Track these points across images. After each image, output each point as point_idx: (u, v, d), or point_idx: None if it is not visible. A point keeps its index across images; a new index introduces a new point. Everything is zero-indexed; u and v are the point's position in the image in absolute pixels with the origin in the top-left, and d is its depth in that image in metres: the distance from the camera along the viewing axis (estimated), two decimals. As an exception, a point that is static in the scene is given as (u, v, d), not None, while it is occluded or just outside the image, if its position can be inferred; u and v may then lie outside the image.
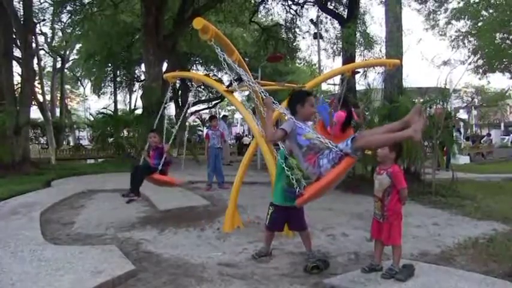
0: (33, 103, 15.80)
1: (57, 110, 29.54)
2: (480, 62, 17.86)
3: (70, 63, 30.88)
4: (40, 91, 20.05)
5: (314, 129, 3.46)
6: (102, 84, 29.89)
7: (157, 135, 6.13)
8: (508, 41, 15.44)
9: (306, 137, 3.31)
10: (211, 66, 26.94)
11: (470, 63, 17.46)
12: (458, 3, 16.76)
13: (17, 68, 15.39)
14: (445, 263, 3.88)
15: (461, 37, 17.64)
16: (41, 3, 19.55)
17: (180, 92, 26.26)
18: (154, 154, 6.05)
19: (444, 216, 5.89)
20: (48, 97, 25.31)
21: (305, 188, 3.43)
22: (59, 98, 29.77)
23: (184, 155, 8.08)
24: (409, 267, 3.43)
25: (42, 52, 25.12)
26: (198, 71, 26.77)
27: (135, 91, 31.67)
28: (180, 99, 25.54)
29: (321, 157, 3.19)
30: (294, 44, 21.70)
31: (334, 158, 3.10)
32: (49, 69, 30.47)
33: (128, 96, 33.38)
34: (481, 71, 19.42)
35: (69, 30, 22.82)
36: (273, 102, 3.46)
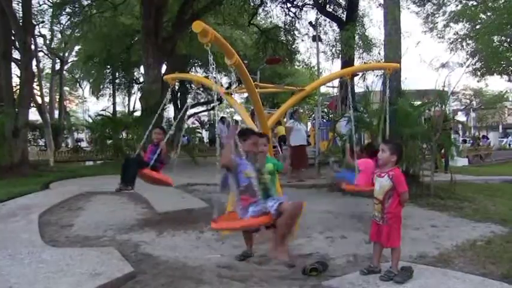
0: (32, 105, 15.80)
1: (56, 112, 29.48)
2: (478, 64, 17.91)
3: (69, 65, 30.84)
4: (39, 93, 20.06)
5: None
6: (101, 86, 29.90)
7: (161, 133, 6.10)
8: (505, 44, 15.50)
9: (246, 174, 3.65)
10: (211, 69, 26.92)
11: (468, 66, 17.50)
12: (457, 6, 16.81)
13: (15, 70, 15.38)
14: (443, 265, 3.88)
15: (459, 40, 17.68)
16: (40, 5, 19.59)
17: (179, 94, 26.26)
18: (152, 149, 5.95)
19: (442, 219, 5.89)
20: (47, 99, 25.22)
21: (220, 217, 3.78)
22: (57, 100, 29.70)
23: (176, 157, 7.76)
24: (407, 270, 3.44)
25: (41, 54, 25.06)
26: (197, 73, 26.79)
27: (134, 93, 31.69)
28: (179, 102, 25.56)
29: (252, 205, 3.57)
30: (293, 46, 21.71)
31: (258, 211, 3.52)
32: (48, 71, 30.40)
33: (126, 98, 33.37)
34: (479, 73, 19.48)
35: (68, 32, 22.84)
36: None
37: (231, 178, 3.76)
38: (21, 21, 12.73)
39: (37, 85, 19.42)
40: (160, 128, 6.22)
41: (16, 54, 15.34)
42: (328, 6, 18.59)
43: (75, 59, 29.65)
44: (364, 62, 14.78)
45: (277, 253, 3.58)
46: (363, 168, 5.62)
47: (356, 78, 13.56)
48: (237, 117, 6.41)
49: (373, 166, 5.53)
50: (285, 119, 13.85)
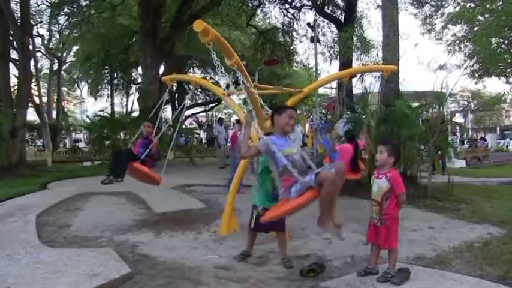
0: (29, 105, 15.76)
1: (54, 112, 29.42)
2: (476, 66, 18.00)
3: (67, 65, 30.80)
4: (37, 93, 20.01)
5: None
6: (99, 87, 29.87)
7: (151, 126, 6.09)
8: (503, 46, 15.56)
9: (284, 152, 3.44)
10: (209, 69, 26.96)
11: (466, 68, 17.59)
12: (455, 8, 16.88)
13: (13, 70, 15.36)
14: (440, 267, 3.89)
15: (457, 41, 17.76)
16: (38, 5, 19.54)
17: (177, 94, 26.26)
18: (142, 143, 5.94)
19: (440, 220, 5.90)
20: (44, 99, 25.11)
21: (270, 208, 3.69)
22: (55, 100, 29.64)
23: (167, 159, 7.33)
24: (404, 271, 3.45)
25: (39, 54, 25.01)
26: (195, 74, 26.79)
27: (132, 94, 31.75)
28: (176, 102, 25.54)
29: (294, 185, 3.39)
30: (291, 47, 21.74)
31: (300, 190, 3.34)
32: (46, 71, 30.35)
33: (124, 98, 33.42)
34: (477, 75, 19.58)
35: (66, 33, 22.80)
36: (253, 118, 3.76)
37: (269, 161, 3.60)
38: (19, 21, 12.71)
39: (35, 85, 19.38)
40: (150, 121, 6.22)
41: (14, 55, 15.32)
42: (326, 7, 18.62)
43: (73, 59, 29.63)
44: (362, 64, 14.80)
45: (326, 225, 3.46)
46: (342, 153, 5.68)
47: (354, 80, 13.59)
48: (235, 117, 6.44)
49: (351, 151, 5.62)
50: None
